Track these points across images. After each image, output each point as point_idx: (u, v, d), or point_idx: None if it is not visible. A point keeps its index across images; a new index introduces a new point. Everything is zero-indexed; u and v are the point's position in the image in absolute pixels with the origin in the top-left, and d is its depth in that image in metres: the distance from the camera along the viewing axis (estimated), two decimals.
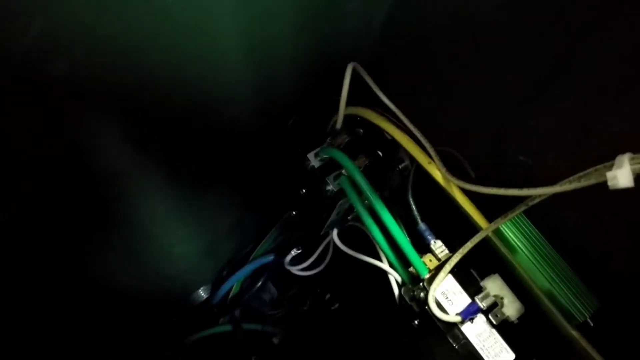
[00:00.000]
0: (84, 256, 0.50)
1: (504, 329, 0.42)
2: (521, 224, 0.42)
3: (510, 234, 0.41)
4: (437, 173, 0.44)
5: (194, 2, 0.34)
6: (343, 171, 0.49)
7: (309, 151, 0.51)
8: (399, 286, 0.47)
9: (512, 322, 0.42)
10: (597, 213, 0.38)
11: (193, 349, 0.67)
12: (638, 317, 0.39)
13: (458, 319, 0.41)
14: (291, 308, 0.66)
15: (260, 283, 0.65)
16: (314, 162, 0.51)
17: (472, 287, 0.43)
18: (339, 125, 0.50)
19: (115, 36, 0.32)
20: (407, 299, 0.45)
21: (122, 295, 0.59)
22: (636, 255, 0.38)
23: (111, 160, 0.43)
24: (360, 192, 0.47)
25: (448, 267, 0.42)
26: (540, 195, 0.35)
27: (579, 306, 0.40)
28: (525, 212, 0.38)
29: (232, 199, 0.61)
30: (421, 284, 0.43)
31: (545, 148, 0.39)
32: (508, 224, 0.41)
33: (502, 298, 0.43)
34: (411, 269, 0.46)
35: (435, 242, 0.46)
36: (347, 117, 0.50)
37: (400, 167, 0.50)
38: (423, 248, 0.46)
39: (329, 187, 0.49)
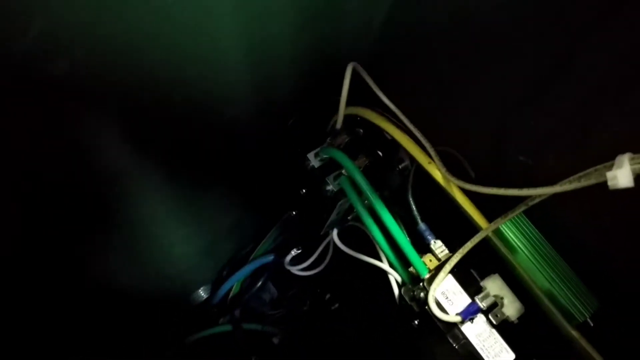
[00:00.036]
0: (84, 256, 0.50)
1: (504, 329, 0.42)
2: (521, 224, 0.42)
3: (510, 234, 0.41)
4: (437, 173, 0.44)
5: (194, 2, 0.34)
6: (343, 171, 0.49)
7: (309, 151, 0.51)
8: (399, 286, 0.47)
9: (512, 322, 0.42)
10: (597, 213, 0.38)
11: (193, 349, 0.67)
12: (638, 317, 0.39)
13: (458, 319, 0.41)
14: (291, 308, 0.66)
15: (260, 283, 0.65)
16: (314, 162, 0.51)
17: (472, 287, 0.43)
18: (339, 125, 0.50)
19: (115, 36, 0.32)
20: (407, 299, 0.45)
21: (122, 295, 0.59)
22: (636, 255, 0.38)
23: (111, 160, 0.42)
24: (360, 192, 0.47)
25: (448, 267, 0.42)
26: (540, 195, 0.35)
27: (579, 306, 0.40)
28: (525, 212, 0.38)
29: (232, 199, 0.61)
30: (421, 284, 0.43)
31: (545, 148, 0.39)
32: (508, 224, 0.41)
33: (502, 298, 0.43)
34: (411, 269, 0.46)
35: (435, 242, 0.46)
36: (347, 117, 0.50)
37: (400, 167, 0.50)
38: (423, 248, 0.46)
39: (329, 187, 0.49)
